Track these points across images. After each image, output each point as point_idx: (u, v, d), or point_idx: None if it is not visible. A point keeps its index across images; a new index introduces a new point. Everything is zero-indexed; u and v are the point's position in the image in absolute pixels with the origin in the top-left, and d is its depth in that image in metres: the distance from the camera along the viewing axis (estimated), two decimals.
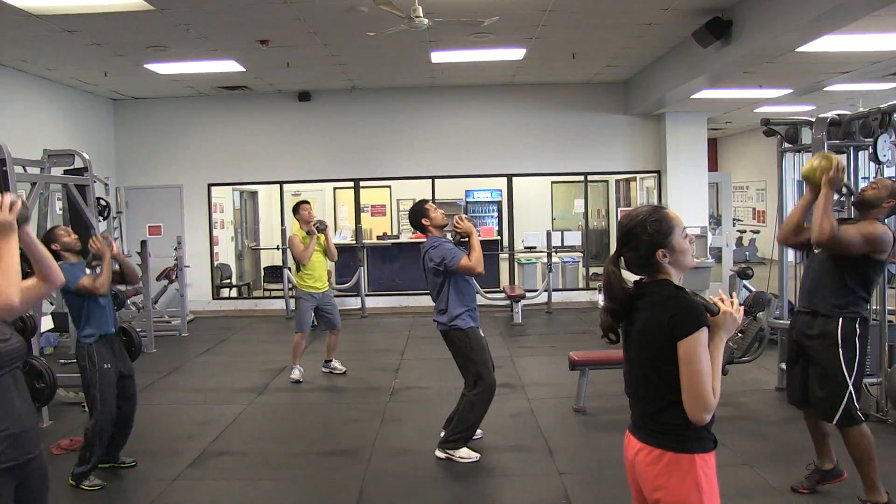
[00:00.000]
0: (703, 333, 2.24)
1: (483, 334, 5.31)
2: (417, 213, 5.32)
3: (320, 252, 7.57)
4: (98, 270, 4.89)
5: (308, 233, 7.50)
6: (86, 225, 6.97)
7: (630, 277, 2.49)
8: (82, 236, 5.25)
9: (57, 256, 4.84)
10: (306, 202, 7.71)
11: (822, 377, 4.09)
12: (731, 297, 2.39)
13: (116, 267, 5.00)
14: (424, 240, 5.38)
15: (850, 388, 3.99)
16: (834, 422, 4.05)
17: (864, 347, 4.11)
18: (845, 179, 4.12)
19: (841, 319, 4.05)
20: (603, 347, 6.91)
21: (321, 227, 7.52)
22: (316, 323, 7.85)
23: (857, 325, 4.06)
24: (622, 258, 2.45)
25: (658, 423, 2.33)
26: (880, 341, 5.61)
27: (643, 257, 2.38)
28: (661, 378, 2.31)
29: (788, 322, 6.51)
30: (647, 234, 2.35)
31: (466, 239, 5.17)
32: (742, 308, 2.38)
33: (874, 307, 5.46)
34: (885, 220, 4.28)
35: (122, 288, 6.47)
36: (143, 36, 8.27)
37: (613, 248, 2.58)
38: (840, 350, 4.02)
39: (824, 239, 3.96)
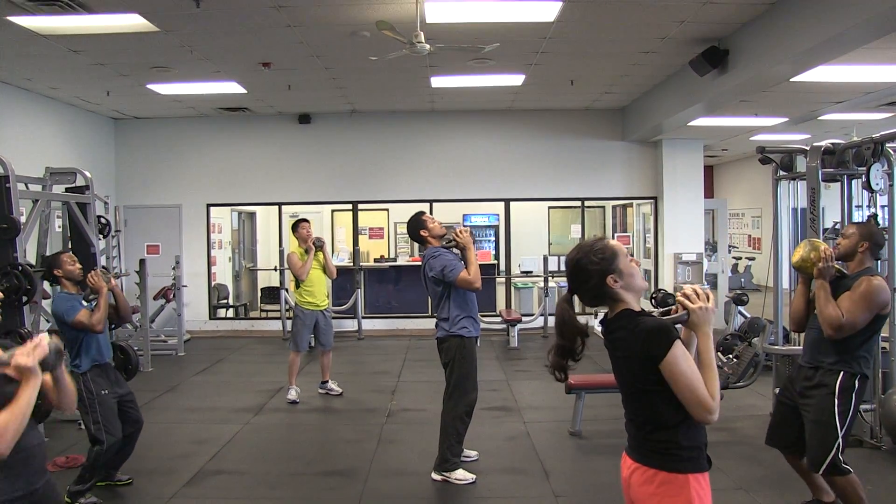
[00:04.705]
0: (678, 347, 2.27)
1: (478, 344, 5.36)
2: (416, 225, 5.37)
3: (319, 269, 7.63)
4: (95, 305, 4.84)
5: (306, 250, 7.56)
6: (87, 243, 7.00)
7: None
8: (83, 255, 5.30)
9: (56, 281, 4.88)
10: (305, 220, 7.76)
11: (815, 425, 4.09)
12: (693, 287, 2.40)
13: (112, 301, 5.01)
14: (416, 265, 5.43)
15: (840, 439, 3.99)
16: (820, 471, 4.04)
17: (858, 403, 4.12)
18: (836, 265, 4.19)
19: (842, 374, 4.06)
20: (599, 371, 6.91)
21: (319, 244, 7.60)
22: (312, 344, 7.85)
23: (856, 381, 4.07)
24: (575, 294, 2.49)
25: (652, 442, 2.37)
26: (873, 368, 5.63)
27: (596, 286, 2.41)
28: (653, 403, 2.34)
29: (784, 348, 6.59)
30: (594, 264, 2.40)
31: (460, 252, 5.18)
32: (709, 291, 2.39)
33: None
34: (878, 264, 4.34)
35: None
36: (146, 57, 8.37)
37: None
38: (836, 400, 4.03)
39: (834, 331, 4.00)
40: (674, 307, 2.44)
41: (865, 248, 4.21)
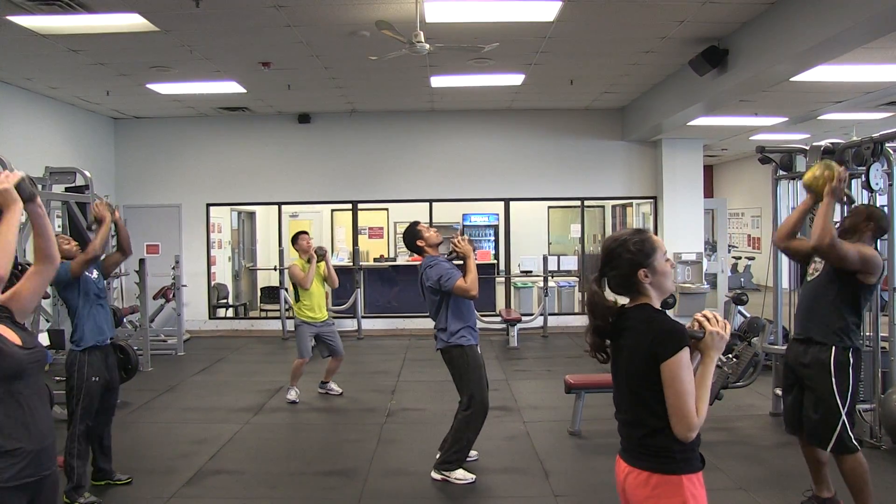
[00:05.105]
0: (685, 354, 2.28)
1: (480, 352, 5.35)
2: (412, 235, 5.39)
3: (319, 281, 7.59)
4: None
5: (308, 260, 7.52)
6: (86, 242, 7.00)
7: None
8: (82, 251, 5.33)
9: None
10: (305, 232, 7.69)
11: (816, 404, 4.13)
12: (714, 314, 2.42)
13: (113, 233, 5.17)
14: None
15: (844, 416, 4.02)
16: (829, 448, 4.08)
17: (857, 377, 4.16)
18: (847, 190, 4.17)
19: (834, 349, 4.09)
20: (598, 371, 6.94)
21: (321, 253, 7.54)
22: (322, 352, 7.81)
23: (850, 356, 4.09)
24: (604, 279, 2.49)
25: (645, 446, 2.36)
26: (873, 368, 5.65)
27: (625, 276, 2.43)
28: (647, 403, 2.34)
29: (783, 347, 6.58)
30: (629, 253, 2.41)
31: (462, 262, 5.22)
32: (726, 322, 2.42)
33: (867, 334, 5.50)
34: (877, 247, 4.37)
35: (119, 306, 6.45)
36: (146, 56, 8.37)
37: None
38: (833, 379, 4.06)
39: (824, 244, 3.98)
40: (690, 323, 2.45)
41: (870, 228, 4.23)
